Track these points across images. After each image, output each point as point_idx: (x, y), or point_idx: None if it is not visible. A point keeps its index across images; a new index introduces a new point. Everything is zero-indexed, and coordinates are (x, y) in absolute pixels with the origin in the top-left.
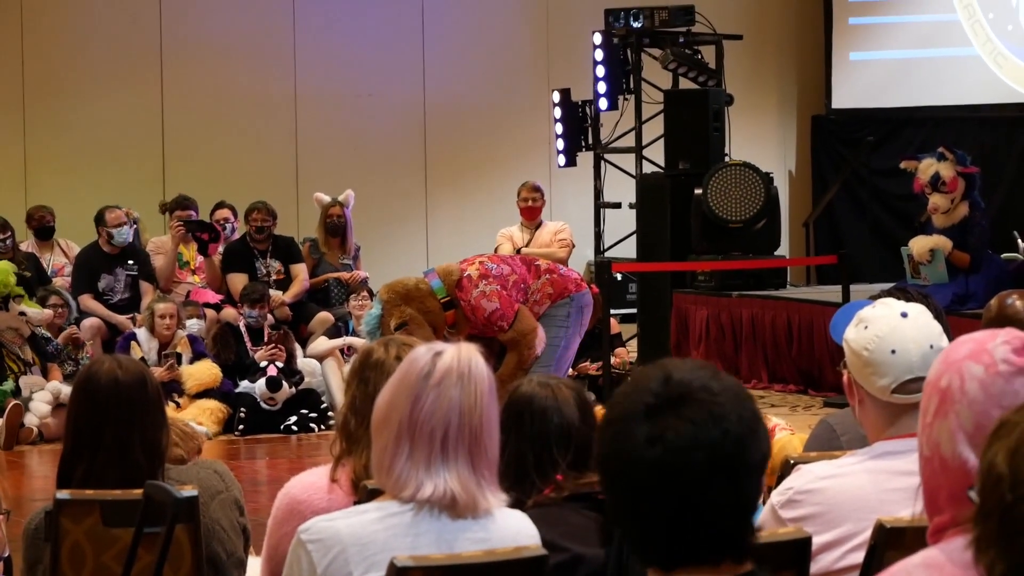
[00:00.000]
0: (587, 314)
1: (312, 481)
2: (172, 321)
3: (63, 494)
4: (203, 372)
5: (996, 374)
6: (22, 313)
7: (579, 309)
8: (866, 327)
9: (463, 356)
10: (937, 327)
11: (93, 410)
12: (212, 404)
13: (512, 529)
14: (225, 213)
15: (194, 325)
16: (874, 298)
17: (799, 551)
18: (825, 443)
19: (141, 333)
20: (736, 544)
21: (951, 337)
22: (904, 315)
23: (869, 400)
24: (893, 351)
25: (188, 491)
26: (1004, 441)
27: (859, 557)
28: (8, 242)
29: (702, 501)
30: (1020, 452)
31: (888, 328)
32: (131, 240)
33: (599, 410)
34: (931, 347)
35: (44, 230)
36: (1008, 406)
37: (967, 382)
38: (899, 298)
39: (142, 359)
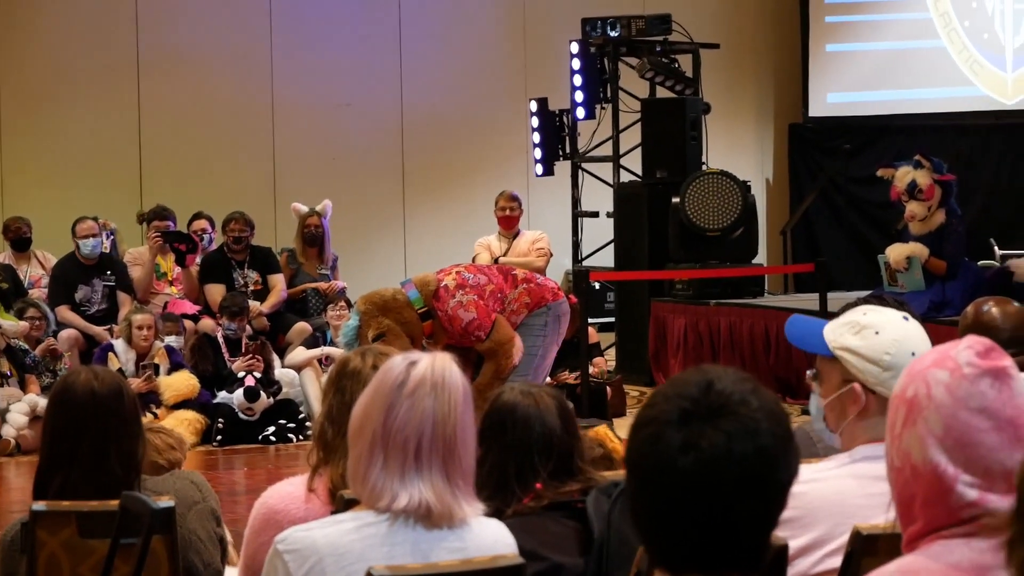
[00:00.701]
0: (564, 323)
1: (289, 491)
2: (150, 332)
3: (39, 505)
4: (180, 383)
5: (961, 377)
6: None
7: (556, 318)
8: (876, 332)
9: (437, 366)
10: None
11: (69, 421)
12: (190, 415)
13: (489, 538)
14: (203, 224)
15: (174, 341)
16: (847, 307)
17: (776, 559)
18: (803, 450)
19: (118, 344)
20: (751, 559)
21: (931, 341)
22: (906, 319)
23: (878, 405)
24: (913, 353)
25: (165, 502)
26: None
27: (836, 562)
28: None
29: (728, 514)
30: None
31: (903, 332)
32: (100, 252)
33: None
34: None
35: (20, 241)
36: (975, 408)
37: (933, 388)
38: (874, 305)
39: (120, 370)
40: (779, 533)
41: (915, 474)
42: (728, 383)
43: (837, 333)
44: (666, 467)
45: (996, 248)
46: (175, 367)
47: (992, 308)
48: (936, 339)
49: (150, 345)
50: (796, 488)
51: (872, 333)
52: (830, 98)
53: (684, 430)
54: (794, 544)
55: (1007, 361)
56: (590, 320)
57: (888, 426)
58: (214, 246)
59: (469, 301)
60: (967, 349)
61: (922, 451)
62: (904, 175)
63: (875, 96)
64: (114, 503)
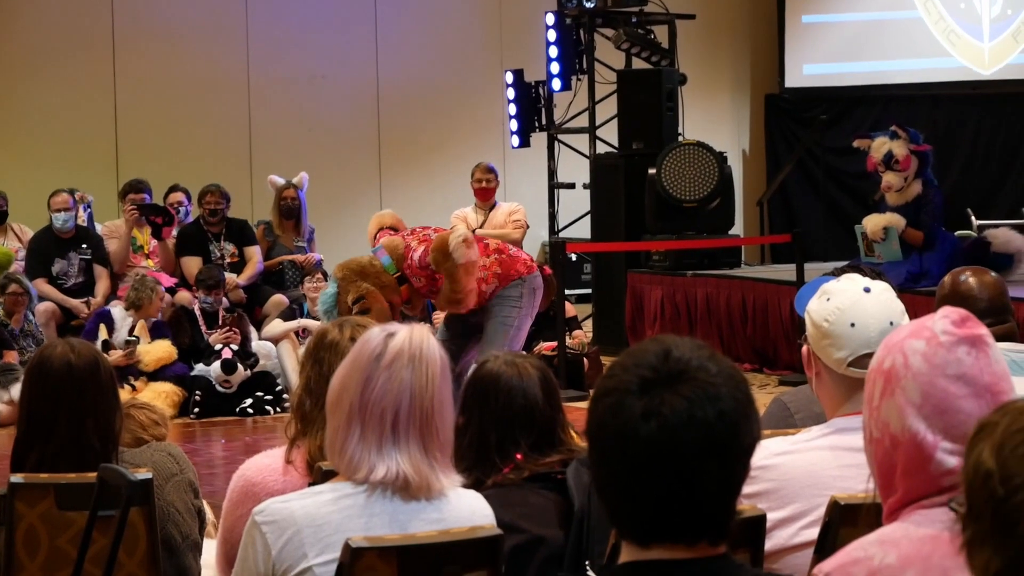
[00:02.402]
0: (538, 296)
1: (267, 463)
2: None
3: (17, 478)
4: (159, 349)
5: (938, 344)
6: None
7: (531, 291)
8: (828, 299)
9: (415, 338)
10: (900, 306)
11: (46, 394)
12: (168, 387)
13: (466, 509)
14: (179, 196)
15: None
16: (837, 273)
17: (754, 529)
18: (779, 421)
19: (117, 311)
20: (717, 526)
21: (908, 312)
22: (867, 290)
23: (826, 373)
24: (852, 324)
25: (142, 474)
26: (988, 440)
27: (813, 533)
28: None
29: (692, 480)
30: (1006, 447)
31: (850, 301)
32: (75, 225)
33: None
34: (891, 324)
35: None
36: (952, 375)
37: (910, 357)
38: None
39: (105, 341)
40: (757, 506)
41: (894, 444)
42: (686, 350)
43: (814, 296)
44: (629, 436)
45: (973, 218)
46: (155, 336)
47: (969, 278)
48: (913, 310)
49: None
50: (771, 461)
51: (825, 299)
52: (806, 69)
53: (645, 398)
54: (772, 517)
55: (983, 330)
56: (567, 291)
57: (866, 399)
58: (190, 219)
59: (420, 242)
60: (943, 319)
61: (900, 420)
62: (880, 146)
63: (851, 67)
64: (92, 475)
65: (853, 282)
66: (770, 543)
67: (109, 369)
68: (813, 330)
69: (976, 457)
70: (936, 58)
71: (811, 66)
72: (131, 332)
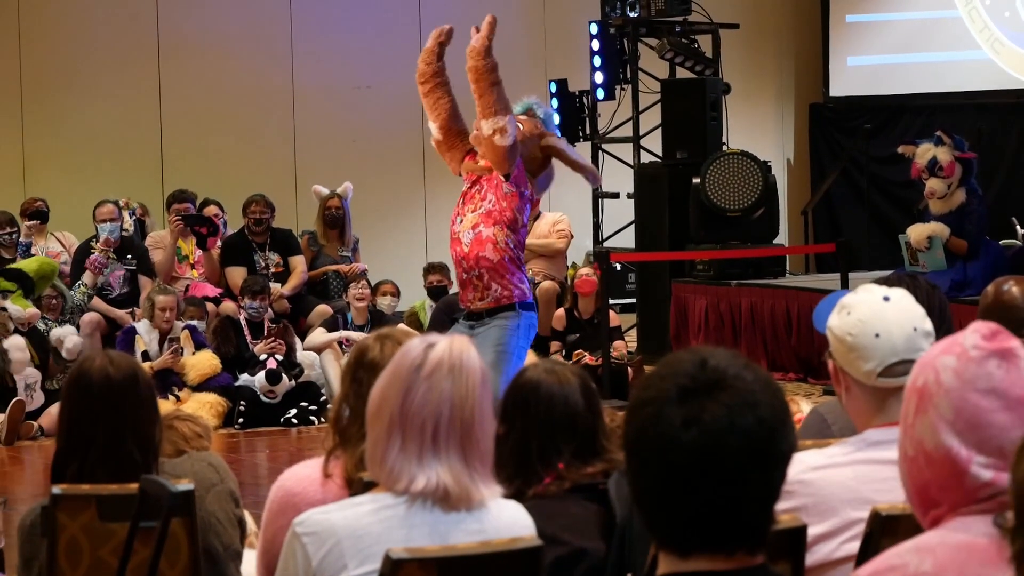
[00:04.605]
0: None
1: (306, 473)
2: (171, 314)
3: (58, 489)
4: (203, 363)
5: (968, 360)
6: (3, 309)
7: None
8: (848, 313)
9: (455, 348)
10: (920, 309)
11: (85, 407)
12: (212, 398)
13: (507, 520)
14: (213, 210)
15: (199, 326)
16: (886, 283)
17: (795, 540)
18: (816, 433)
19: (141, 326)
20: (755, 534)
21: (953, 321)
22: (886, 299)
23: (856, 386)
24: (877, 335)
25: (184, 485)
26: None
27: (855, 547)
28: (14, 236)
29: (732, 487)
30: None
31: (871, 312)
32: (120, 236)
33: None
34: (915, 329)
35: (38, 214)
36: (983, 389)
37: (941, 374)
38: (907, 284)
39: (144, 352)
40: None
41: (929, 461)
42: (721, 359)
43: (833, 312)
44: (669, 444)
45: (1018, 227)
46: (198, 347)
47: (1013, 287)
48: (957, 319)
49: (171, 327)
50: (809, 475)
51: (846, 313)
52: (850, 61)
53: (684, 406)
54: (811, 532)
55: (1014, 342)
56: (611, 301)
57: (901, 416)
58: (228, 231)
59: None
60: (973, 333)
61: (934, 437)
62: (925, 152)
63: (896, 59)
64: (133, 486)
65: (871, 293)
66: (811, 558)
67: (148, 381)
68: (838, 345)
69: (1023, 472)
70: (981, 66)
71: (855, 58)
72: (164, 340)
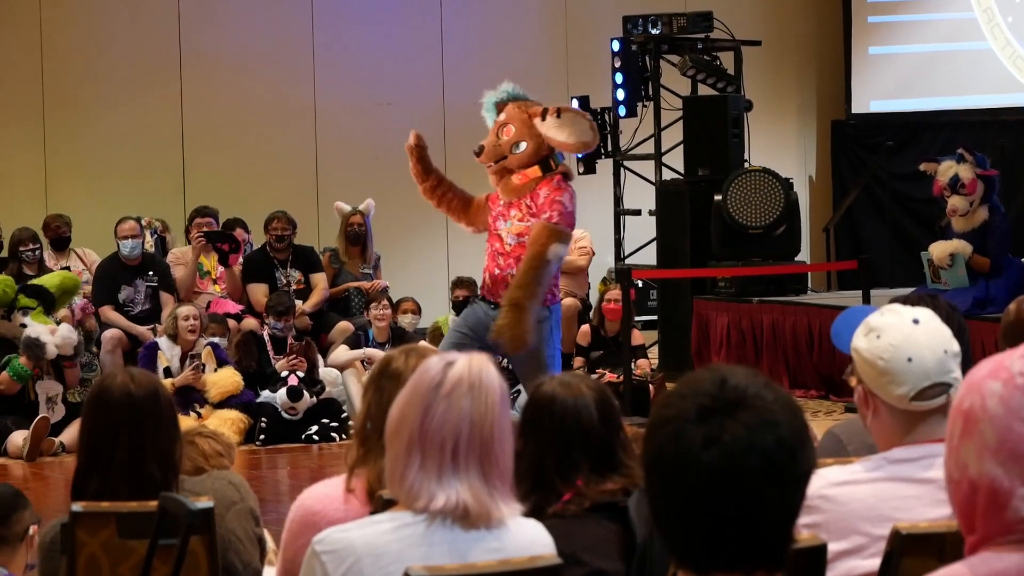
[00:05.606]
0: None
1: (326, 492)
2: (196, 323)
3: (78, 506)
4: (225, 380)
5: (1015, 387)
6: (23, 325)
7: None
8: (878, 336)
9: (474, 366)
10: (947, 330)
11: (106, 423)
12: (233, 414)
13: (527, 538)
14: (241, 234)
15: (221, 343)
16: (906, 302)
17: (814, 559)
18: (831, 453)
19: (163, 342)
20: (774, 553)
21: (970, 339)
22: (916, 321)
23: (886, 409)
24: (910, 359)
25: (203, 503)
26: None
27: (875, 565)
28: (37, 252)
29: (751, 506)
30: None
31: (902, 336)
32: (141, 252)
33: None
34: (945, 352)
35: (59, 240)
36: None
37: (987, 399)
38: (928, 304)
39: (166, 368)
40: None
41: (972, 488)
42: (741, 378)
43: (857, 333)
44: (689, 463)
45: None
46: (220, 364)
47: None
48: (979, 336)
49: (195, 339)
50: (830, 491)
51: (875, 337)
52: (873, 106)
53: (704, 426)
54: (832, 548)
55: None
56: (634, 318)
57: (946, 437)
58: (250, 249)
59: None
60: (1021, 359)
61: (978, 464)
62: (947, 169)
63: (919, 102)
64: (153, 504)
65: (899, 315)
66: (831, 574)
67: (169, 398)
68: (868, 369)
69: None
70: (1004, 84)
71: (878, 102)
72: (187, 357)
